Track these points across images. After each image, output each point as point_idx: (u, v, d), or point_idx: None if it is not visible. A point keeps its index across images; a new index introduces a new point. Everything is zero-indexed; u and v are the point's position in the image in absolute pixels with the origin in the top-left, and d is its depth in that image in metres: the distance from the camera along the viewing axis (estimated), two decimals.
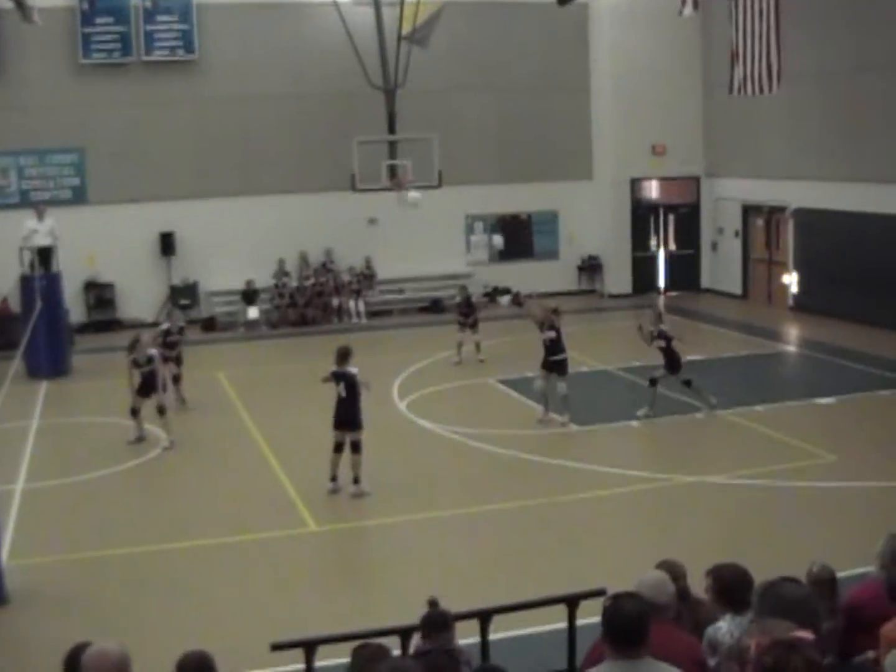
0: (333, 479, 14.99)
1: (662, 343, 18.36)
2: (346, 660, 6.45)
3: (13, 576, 11.84)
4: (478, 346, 23.24)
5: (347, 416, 14.85)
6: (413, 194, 26.46)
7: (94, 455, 17.39)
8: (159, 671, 6.39)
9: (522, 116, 31.87)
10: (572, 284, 33.05)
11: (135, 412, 17.89)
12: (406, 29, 27.04)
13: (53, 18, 27.41)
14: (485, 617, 7.90)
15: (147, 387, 17.91)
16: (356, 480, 14.88)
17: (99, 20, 28.75)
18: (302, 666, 7.50)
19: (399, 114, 27.90)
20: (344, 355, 14.92)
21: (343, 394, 14.81)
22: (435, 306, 30.58)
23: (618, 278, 32.76)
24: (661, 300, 30.83)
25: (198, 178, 29.70)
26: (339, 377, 14.82)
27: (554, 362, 18.20)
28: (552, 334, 18.18)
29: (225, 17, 29.58)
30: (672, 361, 18.35)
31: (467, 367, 22.96)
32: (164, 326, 20.67)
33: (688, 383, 18.42)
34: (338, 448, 14.90)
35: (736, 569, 6.56)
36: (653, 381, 18.48)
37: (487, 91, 31.45)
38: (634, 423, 18.21)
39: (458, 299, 24.00)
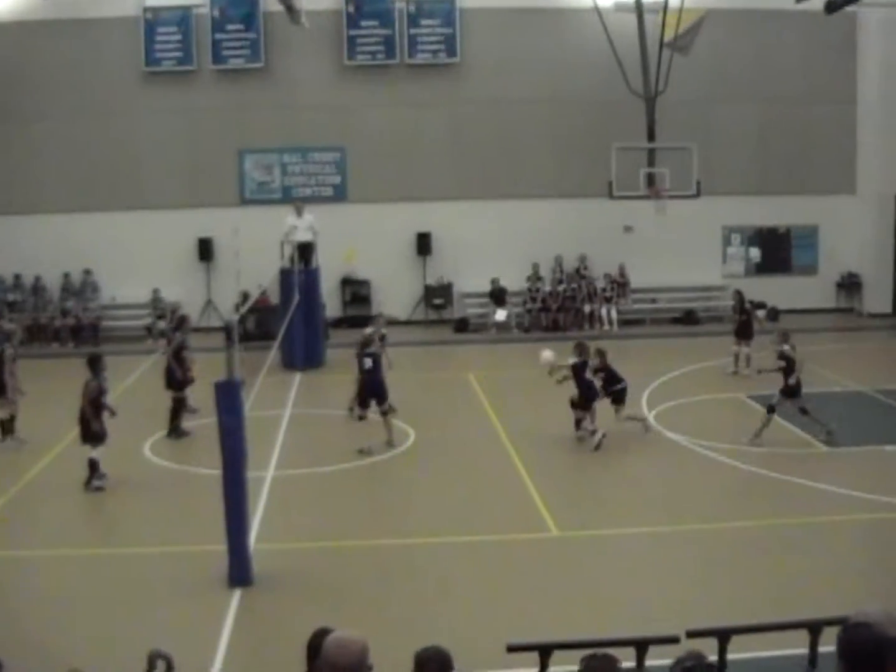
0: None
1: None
2: (576, 667, 6.34)
3: (259, 559, 12.21)
4: (748, 358, 22.72)
5: None
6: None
7: (341, 447, 17.78)
8: (395, 663, 6.40)
9: (782, 127, 30.95)
10: (830, 302, 31.99)
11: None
12: (668, 36, 26.59)
13: (320, 21, 28.39)
14: (723, 636, 7.67)
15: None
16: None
17: (364, 23, 29.60)
18: (535, 669, 7.41)
19: (658, 122, 27.48)
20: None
21: None
22: (688, 317, 30.10)
23: (878, 297, 31.46)
24: None
25: (455, 179, 30.14)
26: None
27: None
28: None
29: (487, 21, 29.90)
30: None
31: (718, 380, 22.72)
32: (367, 331, 19.34)
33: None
34: None
35: None
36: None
37: (747, 100, 30.69)
38: (888, 448, 17.25)
39: (732, 303, 24.04)
